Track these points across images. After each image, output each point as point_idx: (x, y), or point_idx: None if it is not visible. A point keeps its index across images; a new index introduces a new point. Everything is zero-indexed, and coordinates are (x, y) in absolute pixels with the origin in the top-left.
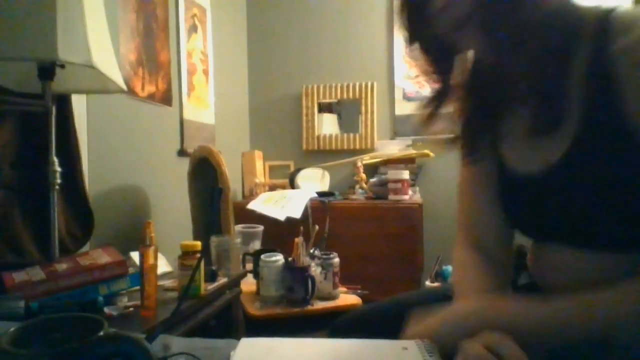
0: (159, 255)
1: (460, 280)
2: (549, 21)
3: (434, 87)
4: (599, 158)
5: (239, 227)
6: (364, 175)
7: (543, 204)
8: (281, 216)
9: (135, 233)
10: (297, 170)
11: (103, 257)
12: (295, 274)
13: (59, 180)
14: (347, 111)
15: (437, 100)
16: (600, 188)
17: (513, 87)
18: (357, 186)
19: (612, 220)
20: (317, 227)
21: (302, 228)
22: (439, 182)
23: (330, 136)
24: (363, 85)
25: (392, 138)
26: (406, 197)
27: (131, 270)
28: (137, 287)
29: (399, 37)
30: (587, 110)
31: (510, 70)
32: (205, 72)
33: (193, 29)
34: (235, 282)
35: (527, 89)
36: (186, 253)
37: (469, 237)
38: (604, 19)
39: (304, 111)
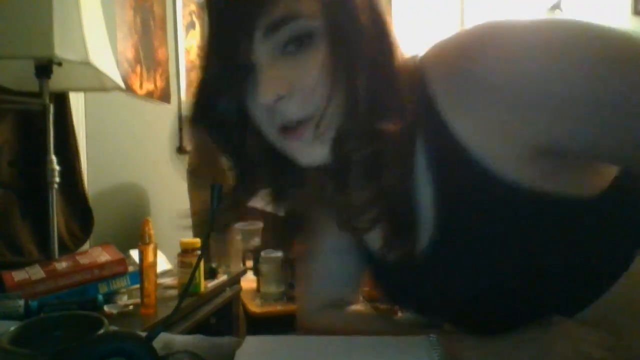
0: (159, 253)
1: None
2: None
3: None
4: (468, 229)
5: (238, 224)
6: None
7: (421, 289)
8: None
9: (134, 231)
10: None
11: (102, 255)
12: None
13: (57, 179)
14: None
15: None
16: (479, 261)
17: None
18: None
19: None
20: None
21: None
22: None
23: None
24: None
25: None
26: None
27: (131, 268)
28: (137, 285)
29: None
30: (440, 193)
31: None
32: None
33: (191, 25)
34: (235, 280)
35: (375, 217)
36: (186, 250)
37: (327, 299)
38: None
39: None
